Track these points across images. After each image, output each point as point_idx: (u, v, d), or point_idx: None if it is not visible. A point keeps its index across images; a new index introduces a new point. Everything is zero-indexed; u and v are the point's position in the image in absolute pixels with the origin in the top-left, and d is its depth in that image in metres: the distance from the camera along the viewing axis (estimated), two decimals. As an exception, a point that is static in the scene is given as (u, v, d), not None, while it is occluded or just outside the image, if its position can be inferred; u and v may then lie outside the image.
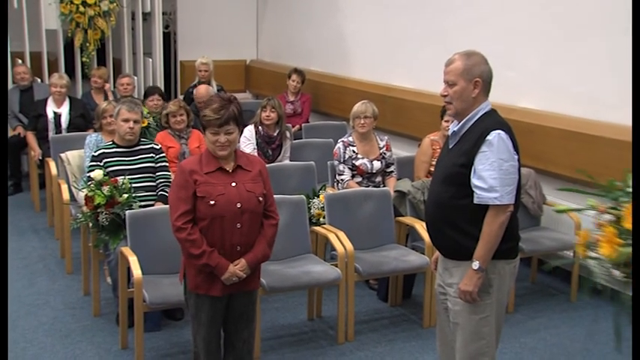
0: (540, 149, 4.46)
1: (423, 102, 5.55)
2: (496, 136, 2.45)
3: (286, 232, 3.83)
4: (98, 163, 4.09)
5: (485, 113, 2.54)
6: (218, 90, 6.54)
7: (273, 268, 3.70)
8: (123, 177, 3.94)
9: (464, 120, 2.55)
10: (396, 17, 6.09)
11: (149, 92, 6.00)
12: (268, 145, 5.28)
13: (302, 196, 4.09)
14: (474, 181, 2.46)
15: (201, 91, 6.15)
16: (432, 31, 5.58)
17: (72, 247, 4.79)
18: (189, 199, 2.76)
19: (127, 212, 3.70)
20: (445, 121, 4.49)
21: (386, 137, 4.95)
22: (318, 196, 4.32)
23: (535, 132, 4.46)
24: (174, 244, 3.58)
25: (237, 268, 2.82)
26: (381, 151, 4.80)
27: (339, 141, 4.83)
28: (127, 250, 3.57)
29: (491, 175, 2.43)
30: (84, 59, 7.21)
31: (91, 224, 3.89)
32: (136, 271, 3.40)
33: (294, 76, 6.82)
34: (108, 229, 3.84)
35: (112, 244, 3.82)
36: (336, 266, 3.78)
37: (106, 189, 3.81)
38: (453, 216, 2.54)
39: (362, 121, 4.72)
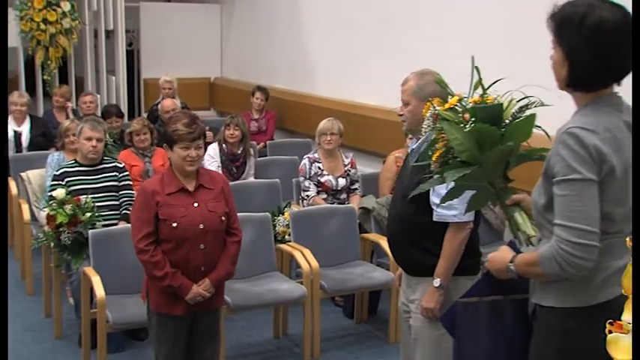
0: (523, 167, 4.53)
1: (388, 119, 5.61)
2: None
3: (251, 250, 3.83)
4: (60, 182, 4.03)
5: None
6: (182, 108, 6.51)
7: (238, 286, 3.69)
8: (85, 196, 3.90)
9: (422, 138, 2.57)
10: (361, 33, 6.16)
11: (106, 114, 5.96)
12: (232, 163, 5.28)
13: (267, 213, 4.10)
14: (433, 198, 2.49)
15: (168, 102, 6.15)
16: (396, 48, 5.66)
17: (33, 267, 4.70)
18: (151, 220, 2.76)
19: (90, 232, 3.66)
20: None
21: (351, 154, 5.00)
22: (283, 214, 4.33)
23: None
24: (138, 263, 3.55)
25: (202, 288, 2.82)
26: (346, 168, 4.84)
27: (304, 157, 4.86)
28: (89, 270, 3.52)
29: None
30: (45, 77, 7.11)
31: (52, 244, 3.84)
32: (99, 291, 3.36)
33: (257, 94, 6.84)
34: (70, 249, 3.79)
35: (75, 263, 3.77)
36: (302, 283, 3.79)
37: (68, 208, 3.77)
38: (414, 233, 2.56)
39: (328, 138, 4.76)
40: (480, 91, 1.97)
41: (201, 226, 2.79)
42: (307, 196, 4.71)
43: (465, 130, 1.85)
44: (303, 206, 4.68)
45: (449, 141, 1.87)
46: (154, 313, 2.86)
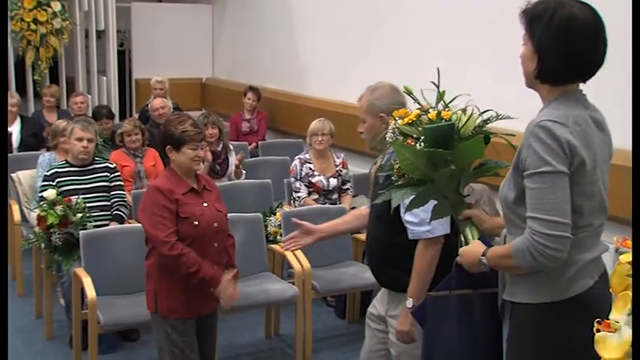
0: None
1: (378, 120, 5.63)
2: None
3: (243, 251, 3.83)
4: (51, 182, 4.02)
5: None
6: (174, 108, 6.51)
7: (230, 286, 3.69)
8: (77, 196, 3.89)
9: (387, 154, 2.49)
10: (352, 34, 6.18)
11: (97, 115, 5.95)
12: (215, 161, 5.28)
13: (258, 214, 4.10)
14: (405, 216, 2.38)
15: (157, 101, 6.13)
16: (388, 48, 5.67)
17: (23, 268, 4.68)
18: (174, 219, 2.76)
19: (81, 232, 3.65)
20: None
21: (342, 154, 5.01)
22: (274, 214, 4.34)
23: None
24: (129, 264, 3.56)
25: (232, 276, 2.87)
26: (338, 168, 4.86)
27: (295, 158, 4.86)
28: (80, 271, 3.51)
29: (421, 208, 2.23)
30: (36, 77, 7.08)
31: (43, 245, 3.82)
32: (90, 292, 3.35)
33: (249, 94, 6.84)
34: (61, 250, 3.78)
35: (66, 265, 3.76)
36: (293, 284, 3.80)
37: (59, 208, 3.75)
38: (392, 254, 2.47)
39: (319, 139, 4.77)
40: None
41: (215, 225, 2.86)
42: (298, 197, 4.72)
43: (418, 148, 1.88)
44: (295, 207, 4.69)
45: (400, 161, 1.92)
46: (164, 319, 2.81)
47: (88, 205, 3.93)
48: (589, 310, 1.70)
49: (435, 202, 2.05)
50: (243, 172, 5.27)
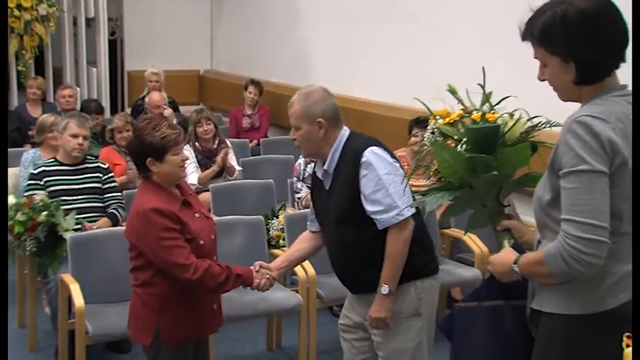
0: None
1: (388, 115, 5.63)
2: (369, 154, 2.51)
3: (243, 256, 3.83)
4: (38, 181, 4.04)
5: (346, 140, 2.62)
6: (169, 103, 6.53)
7: (228, 294, 3.67)
8: (42, 191, 3.89)
9: (329, 157, 2.60)
10: (359, 25, 6.18)
11: (85, 110, 5.95)
12: (210, 160, 5.28)
13: (260, 216, 4.11)
14: (369, 207, 2.50)
15: (156, 96, 6.15)
16: (396, 40, 5.67)
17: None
18: (183, 238, 2.64)
19: (69, 236, 3.66)
20: (414, 136, 4.56)
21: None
22: (277, 217, 4.34)
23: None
24: (120, 269, 3.56)
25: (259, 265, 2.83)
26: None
27: (300, 156, 4.87)
28: (67, 278, 3.53)
29: (383, 194, 2.48)
30: (20, 68, 7.10)
31: (21, 252, 3.85)
32: (78, 300, 3.36)
33: (250, 88, 6.86)
34: (43, 252, 3.78)
35: (53, 269, 3.76)
36: (297, 292, 3.80)
37: (20, 215, 3.74)
38: (361, 253, 2.58)
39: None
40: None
41: (213, 237, 2.79)
42: (299, 198, 4.73)
43: (459, 150, 1.92)
44: (299, 209, 4.69)
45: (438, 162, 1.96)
46: (165, 351, 2.72)
47: (80, 205, 3.95)
48: (622, 326, 1.68)
49: (467, 208, 2.09)
50: (237, 168, 5.27)
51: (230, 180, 5.20)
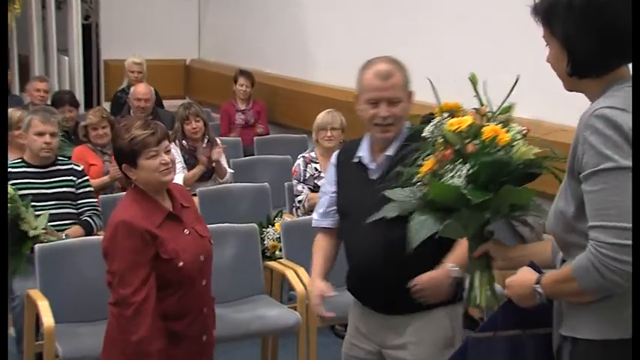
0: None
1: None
2: None
3: (235, 269, 3.82)
4: (1, 185, 4.03)
5: (409, 128, 2.58)
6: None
7: (219, 312, 3.63)
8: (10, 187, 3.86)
9: (397, 140, 2.54)
10: (367, 11, 6.17)
11: (58, 102, 5.93)
12: (198, 160, 5.27)
13: (254, 224, 4.09)
14: None
15: (141, 88, 6.15)
16: (409, 28, 5.66)
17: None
18: (148, 263, 2.57)
19: (37, 246, 3.64)
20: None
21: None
22: (273, 225, 4.33)
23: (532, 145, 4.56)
24: (94, 284, 3.54)
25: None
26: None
27: (299, 157, 4.86)
28: (35, 293, 3.51)
29: None
30: (-19, 57, 7.10)
31: None
32: (47, 319, 3.34)
33: (241, 80, 6.85)
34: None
35: (20, 271, 3.71)
36: (295, 309, 3.78)
37: None
38: (420, 260, 2.34)
39: (328, 134, 4.76)
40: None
41: (202, 258, 2.70)
42: (299, 201, 4.71)
43: (457, 180, 1.93)
44: (298, 215, 4.67)
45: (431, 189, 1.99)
46: None
47: (50, 212, 3.94)
48: None
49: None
50: (229, 170, 5.26)
51: (220, 183, 5.18)
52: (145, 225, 2.58)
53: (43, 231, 3.80)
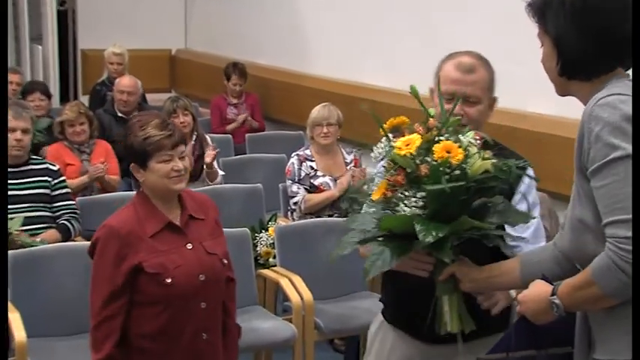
0: (556, 166, 4.53)
1: (403, 105, 5.61)
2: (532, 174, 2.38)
3: (224, 278, 3.83)
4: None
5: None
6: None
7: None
8: None
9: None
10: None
11: (29, 88, 5.94)
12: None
13: (245, 229, 4.10)
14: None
15: (126, 80, 6.14)
16: (414, 16, 5.67)
17: None
18: (120, 275, 2.55)
19: (9, 253, 3.65)
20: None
21: (354, 151, 5.01)
22: (266, 229, 4.33)
23: (549, 144, 4.55)
24: (72, 295, 3.55)
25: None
26: (349, 167, 4.86)
27: (293, 155, 4.87)
28: (7, 304, 3.51)
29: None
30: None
31: None
32: (19, 333, 3.33)
33: (234, 79, 6.84)
34: None
35: None
36: (291, 321, 3.79)
37: None
38: None
39: (324, 130, 4.77)
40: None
41: (202, 278, 2.63)
42: (295, 203, 4.72)
43: (408, 214, 1.97)
44: (293, 219, 4.68)
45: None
46: None
47: (24, 215, 3.94)
48: None
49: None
50: (220, 172, 5.27)
51: (210, 185, 5.19)
52: (132, 231, 2.56)
53: (16, 232, 3.81)
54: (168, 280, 2.56)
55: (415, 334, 2.47)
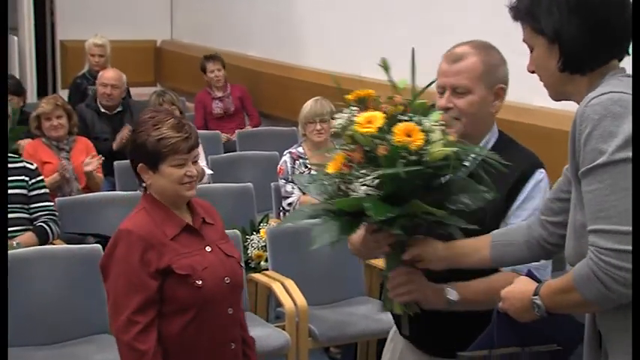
0: (562, 161, 4.56)
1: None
2: (543, 178, 2.37)
3: (213, 282, 3.83)
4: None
5: (501, 136, 2.46)
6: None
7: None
8: None
9: (486, 138, 2.42)
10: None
11: None
12: None
13: (235, 231, 4.10)
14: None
15: (110, 73, 6.14)
16: (409, 7, 5.69)
17: None
18: (148, 281, 2.50)
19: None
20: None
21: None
22: (257, 231, 4.34)
23: (555, 139, 4.57)
24: (52, 300, 3.55)
25: None
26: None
27: (285, 152, 4.87)
28: (-17, 311, 3.51)
29: None
30: None
31: None
32: (-3, 341, 3.34)
33: (210, 66, 6.84)
34: None
35: None
36: (284, 328, 3.80)
37: None
38: None
39: (317, 127, 4.77)
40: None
41: (227, 281, 2.62)
42: (289, 204, 4.72)
43: (359, 196, 2.00)
44: (286, 221, 4.70)
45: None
46: None
47: None
48: None
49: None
50: (207, 170, 5.26)
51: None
52: (153, 234, 2.53)
53: None
54: (199, 282, 2.53)
55: (419, 345, 2.49)
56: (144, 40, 8.63)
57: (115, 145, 5.77)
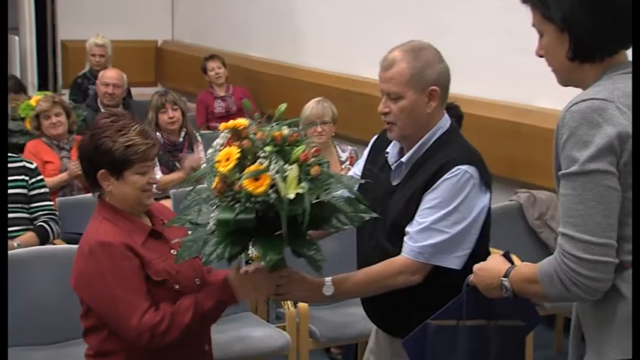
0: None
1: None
2: (461, 173, 2.42)
3: (213, 283, 3.82)
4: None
5: (444, 133, 2.53)
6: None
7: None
8: None
9: (416, 145, 2.50)
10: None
11: None
12: (175, 157, 5.28)
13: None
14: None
15: (111, 73, 6.15)
16: (411, 5, 5.69)
17: None
18: (144, 286, 2.46)
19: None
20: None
21: (349, 148, 5.01)
22: (257, 231, 4.34)
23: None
24: (51, 301, 3.55)
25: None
26: (344, 165, 4.86)
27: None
28: (-18, 311, 3.51)
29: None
30: None
31: None
32: (-4, 342, 3.34)
33: (210, 64, 6.85)
34: None
35: None
36: (284, 329, 3.80)
37: None
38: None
39: (318, 129, 4.77)
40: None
41: (198, 282, 2.60)
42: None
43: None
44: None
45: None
46: None
47: None
48: None
49: None
50: None
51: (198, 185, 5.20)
52: (127, 243, 2.46)
53: None
54: (177, 287, 2.51)
55: (381, 327, 2.66)
56: (145, 40, 8.64)
57: None
